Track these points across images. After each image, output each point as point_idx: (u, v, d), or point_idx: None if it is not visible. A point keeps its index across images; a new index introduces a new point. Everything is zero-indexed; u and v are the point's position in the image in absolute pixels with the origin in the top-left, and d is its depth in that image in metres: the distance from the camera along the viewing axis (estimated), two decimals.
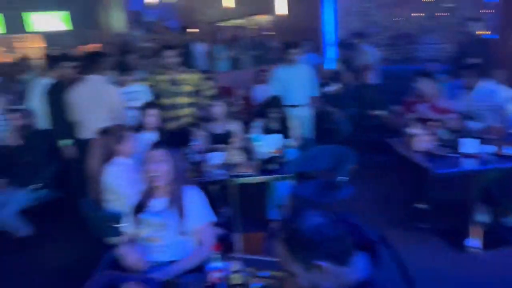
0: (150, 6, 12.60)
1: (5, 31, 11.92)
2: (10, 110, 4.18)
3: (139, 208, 2.23)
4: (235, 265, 1.79)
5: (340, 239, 1.27)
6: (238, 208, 3.53)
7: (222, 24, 10.07)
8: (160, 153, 2.17)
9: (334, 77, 6.14)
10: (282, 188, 3.87)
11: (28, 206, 3.89)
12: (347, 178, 3.64)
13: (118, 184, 2.78)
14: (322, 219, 1.28)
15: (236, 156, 3.50)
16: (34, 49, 12.50)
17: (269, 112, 4.23)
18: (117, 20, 12.03)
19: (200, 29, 9.84)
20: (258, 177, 3.38)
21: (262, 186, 3.94)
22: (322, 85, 5.54)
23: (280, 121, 4.23)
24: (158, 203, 2.22)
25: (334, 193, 3.60)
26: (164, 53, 4.38)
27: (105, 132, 2.96)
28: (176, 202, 2.17)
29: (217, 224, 3.59)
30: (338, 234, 1.27)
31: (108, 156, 2.88)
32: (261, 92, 6.59)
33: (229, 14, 9.87)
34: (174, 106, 4.42)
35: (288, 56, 4.97)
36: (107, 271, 2.11)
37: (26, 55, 7.23)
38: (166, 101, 4.40)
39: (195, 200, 2.24)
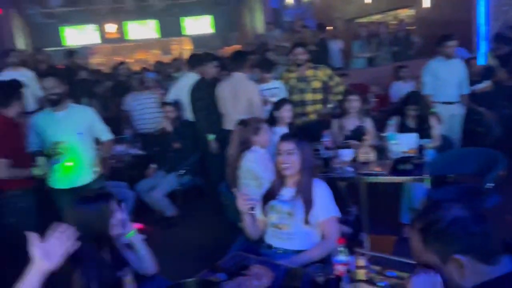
0: (288, 6, 12.96)
1: (160, 36, 13.54)
2: (164, 103, 4.72)
3: (270, 195, 2.35)
4: (360, 261, 1.75)
5: (484, 235, 1.18)
6: (367, 207, 3.42)
7: (360, 20, 9.82)
8: (290, 145, 2.25)
9: (485, 73, 5.50)
10: (418, 191, 3.62)
11: (174, 189, 4.39)
12: (494, 185, 3.24)
13: (255, 168, 2.99)
14: (465, 212, 1.20)
15: (368, 154, 3.40)
16: (186, 50, 13.96)
17: (407, 109, 3.98)
18: (257, 22, 12.63)
19: (337, 27, 9.76)
20: (390, 177, 3.23)
21: (394, 187, 3.76)
22: (472, 82, 5.02)
23: (418, 119, 3.96)
24: (287, 192, 2.32)
25: (478, 201, 3.24)
26: (294, 50, 4.51)
27: (243, 123, 3.17)
28: (303, 192, 2.24)
29: (343, 222, 3.57)
30: (483, 229, 1.18)
31: (246, 145, 3.10)
32: (399, 89, 6.27)
33: (367, 9, 9.57)
34: (302, 102, 4.51)
35: (444, 49, 4.66)
36: (239, 252, 2.26)
37: (179, 55, 8.11)
38: (295, 97, 4.52)
39: (321, 193, 2.27)
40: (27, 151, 3.15)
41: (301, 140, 2.31)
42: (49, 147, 3.10)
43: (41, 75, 5.97)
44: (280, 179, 2.34)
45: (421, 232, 1.23)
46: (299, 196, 2.24)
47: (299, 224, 2.23)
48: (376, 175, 3.21)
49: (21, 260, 1.73)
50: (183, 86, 4.76)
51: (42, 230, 1.55)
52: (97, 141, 3.47)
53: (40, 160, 3.04)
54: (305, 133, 4.15)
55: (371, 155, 3.39)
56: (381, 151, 3.49)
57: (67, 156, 3.14)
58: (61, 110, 3.20)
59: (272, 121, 3.90)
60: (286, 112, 3.91)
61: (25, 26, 12.07)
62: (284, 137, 2.34)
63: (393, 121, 4.04)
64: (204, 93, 4.36)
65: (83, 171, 3.26)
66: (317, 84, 4.52)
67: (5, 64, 5.69)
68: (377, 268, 1.82)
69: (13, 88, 3.11)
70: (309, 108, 4.54)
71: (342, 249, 1.79)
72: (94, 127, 3.37)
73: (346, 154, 3.44)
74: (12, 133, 3.01)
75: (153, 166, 4.43)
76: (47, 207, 3.21)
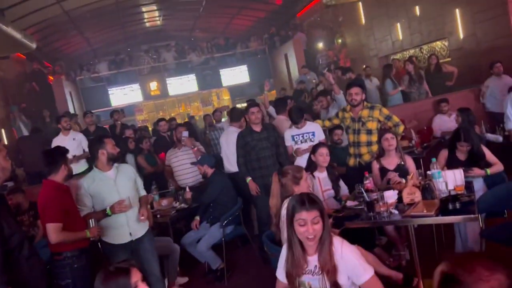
0: (322, 51, 13.20)
1: (199, 89, 14.12)
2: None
3: (296, 267, 2.15)
4: None
5: None
6: (418, 251, 3.27)
7: (395, 57, 9.81)
8: (314, 213, 2.06)
9: None
10: (471, 231, 3.43)
11: (218, 240, 4.39)
12: None
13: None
14: None
15: (413, 194, 3.28)
16: (225, 100, 14.43)
17: (459, 145, 3.77)
18: (291, 67, 12.90)
19: (371, 64, 9.78)
20: (439, 218, 3.08)
21: (445, 227, 3.59)
22: None
23: (468, 154, 3.78)
24: (311, 262, 2.15)
25: None
26: (349, 90, 4.40)
27: (283, 173, 3.18)
28: (325, 264, 2.07)
29: (396, 268, 3.42)
30: None
31: (287, 194, 3.08)
32: (442, 123, 6.12)
33: (401, 45, 9.57)
34: (357, 144, 4.46)
35: None
36: None
37: (220, 106, 8.41)
38: (350, 137, 4.50)
39: (347, 258, 2.09)
40: (78, 213, 3.29)
41: (320, 203, 2.13)
42: (105, 206, 3.23)
43: (90, 136, 6.47)
44: (302, 249, 2.14)
45: None
46: (323, 270, 2.09)
47: None
48: (423, 216, 3.07)
49: None
50: (227, 139, 4.98)
51: None
52: None
53: (91, 222, 3.15)
54: (355, 174, 4.15)
55: (417, 195, 3.27)
56: (426, 190, 3.36)
57: (121, 212, 3.25)
58: (110, 169, 3.36)
59: (310, 166, 3.91)
60: (321, 156, 3.91)
61: (76, 90, 12.99)
62: (306, 205, 2.07)
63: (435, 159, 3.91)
64: (244, 141, 4.50)
65: (137, 225, 3.36)
66: (372, 125, 4.40)
67: (58, 129, 6.16)
68: None
69: (60, 154, 3.30)
70: (364, 150, 4.44)
71: None
72: (137, 181, 3.52)
73: (390, 196, 3.34)
74: (61, 197, 3.15)
75: (196, 218, 4.49)
76: (100, 264, 3.31)
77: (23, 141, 7.19)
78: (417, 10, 8.89)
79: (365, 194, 3.35)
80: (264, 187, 4.38)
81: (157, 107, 15.18)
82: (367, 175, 3.66)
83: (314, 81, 9.84)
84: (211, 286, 4.22)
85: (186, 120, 12.35)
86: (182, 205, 4.75)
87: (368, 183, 3.59)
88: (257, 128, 4.53)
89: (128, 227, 3.32)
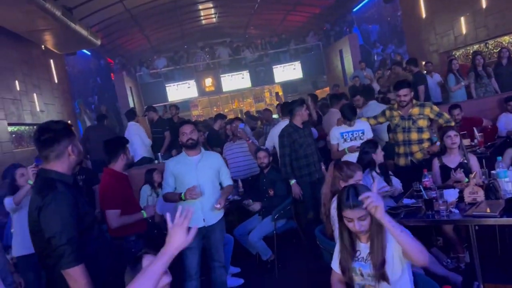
0: (378, 45, 12.84)
1: (252, 85, 14.23)
2: (257, 150, 4.87)
3: (347, 253, 2.18)
4: None
5: None
6: (479, 253, 3.10)
7: (458, 52, 9.34)
8: (360, 212, 2.05)
9: None
10: None
11: (269, 233, 4.42)
12: None
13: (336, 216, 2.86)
14: None
15: (475, 194, 3.12)
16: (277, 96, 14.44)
17: None
18: (346, 63, 12.67)
19: (433, 59, 9.38)
20: (502, 219, 2.90)
21: (509, 229, 3.38)
22: None
23: None
24: (362, 249, 2.17)
25: None
26: (398, 91, 4.36)
27: (338, 167, 3.15)
28: (375, 255, 2.07)
29: (454, 270, 3.27)
30: None
31: (335, 189, 3.05)
32: (508, 122, 5.75)
33: (464, 40, 9.09)
34: (408, 142, 4.38)
35: None
36: None
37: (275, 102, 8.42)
38: (399, 136, 4.42)
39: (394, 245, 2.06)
40: (134, 200, 3.45)
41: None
42: (185, 189, 3.32)
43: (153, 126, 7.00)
44: (355, 237, 2.18)
45: None
46: (372, 261, 2.08)
47: (386, 285, 2.09)
48: (486, 216, 2.91)
49: None
50: (276, 133, 4.95)
51: None
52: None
53: (147, 200, 3.26)
54: (409, 173, 4.03)
55: (479, 195, 3.11)
56: (490, 190, 3.18)
57: (199, 197, 3.34)
58: (196, 154, 3.47)
59: (370, 164, 3.82)
60: (377, 155, 3.83)
61: (136, 85, 13.58)
62: (350, 204, 2.08)
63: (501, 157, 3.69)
64: (291, 139, 4.47)
65: (211, 212, 3.44)
66: (423, 123, 4.33)
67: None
68: None
69: (120, 144, 3.46)
70: (415, 148, 4.36)
71: None
72: (221, 171, 3.58)
73: (451, 195, 3.20)
74: (120, 185, 3.32)
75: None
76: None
77: (90, 130, 7.65)
78: (483, 2, 8.38)
79: (423, 191, 3.23)
80: (311, 185, 4.36)
81: (212, 102, 15.52)
82: (426, 172, 3.53)
83: (368, 78, 9.59)
84: (261, 278, 4.26)
85: (239, 115, 12.55)
86: (235, 197, 4.83)
87: (427, 180, 3.46)
88: (301, 125, 4.52)
89: (202, 213, 3.39)
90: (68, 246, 1.95)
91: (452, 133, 3.79)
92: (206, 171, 3.44)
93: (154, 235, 4.43)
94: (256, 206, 4.44)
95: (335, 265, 2.27)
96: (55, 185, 2.03)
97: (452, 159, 3.79)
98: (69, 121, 9.66)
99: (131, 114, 7.24)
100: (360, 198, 1.95)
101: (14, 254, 3.73)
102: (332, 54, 13.84)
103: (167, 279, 1.72)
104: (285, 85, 14.75)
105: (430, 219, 3.01)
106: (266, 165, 4.64)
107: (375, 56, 12.40)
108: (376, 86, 7.23)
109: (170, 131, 7.04)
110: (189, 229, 1.51)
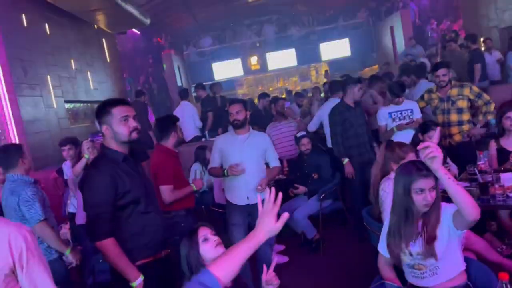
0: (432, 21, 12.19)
1: (298, 63, 14.02)
2: (301, 137, 4.83)
3: (398, 234, 2.14)
4: None
5: None
6: None
7: None
8: (432, 181, 2.04)
9: None
10: None
11: (314, 213, 4.43)
12: None
13: (386, 199, 2.81)
14: None
15: None
16: (322, 75, 14.19)
17: None
18: (397, 40, 12.17)
19: (490, 36, 8.81)
20: None
21: None
22: None
23: None
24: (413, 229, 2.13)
25: None
26: (436, 71, 4.32)
27: (391, 147, 3.07)
28: (428, 229, 2.06)
29: (506, 256, 3.14)
30: None
31: (385, 170, 2.99)
32: None
33: None
34: (447, 124, 4.32)
35: None
36: (383, 281, 2.17)
37: (323, 80, 8.30)
38: (439, 118, 4.38)
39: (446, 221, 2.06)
40: (183, 177, 3.55)
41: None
42: (229, 166, 3.40)
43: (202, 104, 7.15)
44: (407, 217, 2.11)
45: None
46: (424, 236, 2.06)
47: (434, 262, 2.06)
48: None
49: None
50: (326, 112, 4.89)
51: None
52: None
53: (194, 174, 3.33)
54: (450, 156, 3.88)
55: None
56: None
57: (243, 175, 3.40)
58: (243, 133, 3.52)
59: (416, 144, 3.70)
60: (429, 138, 3.68)
61: (183, 64, 13.79)
62: (424, 173, 2.05)
63: None
64: (342, 118, 4.39)
65: (255, 191, 3.45)
66: (463, 104, 4.27)
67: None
68: None
69: (170, 122, 3.55)
70: (454, 130, 4.30)
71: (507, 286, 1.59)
72: (268, 152, 3.62)
73: (508, 179, 3.04)
74: (172, 162, 3.42)
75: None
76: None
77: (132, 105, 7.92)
78: None
79: (478, 175, 3.10)
80: (361, 165, 4.29)
81: (257, 81, 15.50)
82: (481, 155, 3.37)
83: (420, 55, 9.18)
84: (306, 257, 4.29)
85: (284, 95, 12.47)
86: (280, 176, 4.85)
87: (482, 163, 3.31)
88: (352, 104, 4.42)
89: (246, 191, 3.46)
90: (97, 220, 2.10)
91: (509, 114, 3.57)
92: (251, 150, 3.48)
93: (201, 210, 4.57)
94: (302, 190, 4.45)
95: (382, 247, 2.24)
96: (99, 163, 2.22)
97: (511, 142, 3.59)
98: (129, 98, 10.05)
99: (185, 93, 7.41)
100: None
101: (77, 222, 3.98)
102: (382, 30, 13.31)
103: None
104: (332, 63, 14.41)
105: (485, 204, 2.89)
106: (309, 150, 4.62)
107: (429, 33, 11.79)
108: (428, 64, 6.93)
109: (214, 110, 7.15)
110: (279, 216, 1.45)
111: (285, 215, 1.44)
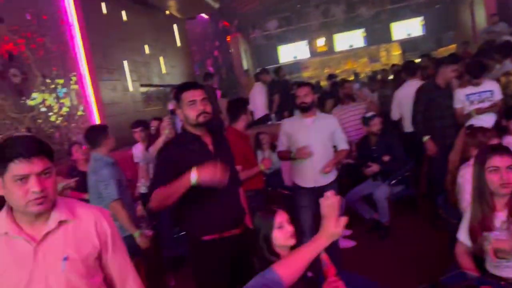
0: None
1: (368, 44, 13.51)
2: (368, 118, 4.67)
3: (480, 223, 2.04)
4: None
5: None
6: None
7: None
8: (510, 159, 1.94)
9: None
10: None
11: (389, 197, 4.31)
12: None
13: (465, 185, 2.66)
14: None
15: None
16: (395, 56, 13.60)
17: None
18: (477, 17, 11.29)
19: None
20: None
21: None
22: None
23: None
24: (496, 218, 2.02)
25: None
26: None
27: (471, 132, 2.90)
28: None
29: None
30: None
31: (465, 156, 2.84)
32: None
33: None
34: None
35: None
36: (461, 271, 2.09)
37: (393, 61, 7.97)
38: None
39: None
40: (254, 160, 3.62)
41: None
42: (297, 149, 3.44)
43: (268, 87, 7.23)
44: (488, 202, 1.99)
45: None
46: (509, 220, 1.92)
47: None
48: None
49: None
50: (404, 94, 4.72)
51: None
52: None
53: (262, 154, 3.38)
54: None
55: None
56: None
57: (310, 158, 3.43)
58: (310, 116, 3.53)
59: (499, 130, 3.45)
60: None
61: (249, 47, 13.89)
62: (499, 150, 1.97)
63: None
64: (428, 97, 4.21)
65: (322, 174, 3.49)
66: None
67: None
68: None
69: (241, 105, 3.62)
70: None
71: None
72: (335, 135, 3.60)
73: None
74: (241, 143, 3.50)
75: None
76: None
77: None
78: None
79: None
80: (442, 149, 4.07)
81: (323, 63, 15.21)
82: None
83: (505, 32, 8.42)
84: (375, 242, 4.22)
85: (352, 77, 12.14)
86: (348, 160, 4.77)
87: None
88: (444, 85, 4.18)
89: (313, 174, 3.48)
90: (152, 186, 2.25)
91: None
92: (319, 133, 3.47)
93: (268, 192, 4.64)
94: (375, 168, 4.32)
95: (462, 235, 2.14)
96: (169, 141, 2.40)
97: None
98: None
99: (265, 74, 7.55)
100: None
101: None
102: (460, 7, 12.40)
103: None
104: (404, 43, 13.74)
105: None
106: (380, 131, 4.48)
107: None
108: None
109: (281, 93, 7.18)
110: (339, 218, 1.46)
111: (343, 220, 1.44)
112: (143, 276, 3.01)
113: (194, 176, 2.06)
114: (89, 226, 1.49)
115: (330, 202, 1.45)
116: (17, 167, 1.31)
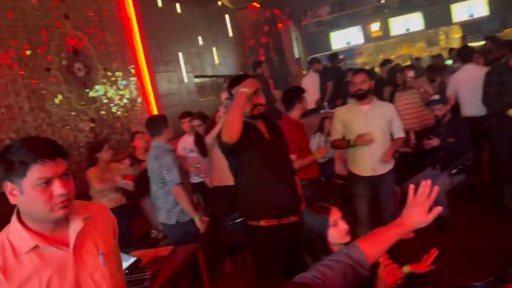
0: None
1: (425, 27, 12.85)
2: (433, 101, 4.48)
3: None
4: None
5: None
6: None
7: None
8: None
9: None
10: None
11: (445, 190, 4.13)
12: None
13: None
14: None
15: None
16: (455, 39, 12.88)
17: None
18: None
19: None
20: None
21: None
22: None
23: None
24: None
25: None
26: None
27: None
28: None
29: None
30: None
31: None
32: None
33: None
34: None
35: None
36: None
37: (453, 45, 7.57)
38: None
39: None
40: (307, 148, 3.61)
41: None
42: (353, 137, 3.37)
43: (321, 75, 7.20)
44: None
45: None
46: None
47: None
48: None
49: None
50: (461, 79, 4.50)
51: None
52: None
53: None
54: None
55: None
56: None
57: (369, 146, 3.36)
58: (367, 104, 3.44)
59: None
60: None
61: (301, 35, 13.73)
62: None
63: None
64: (500, 79, 3.97)
65: (378, 163, 3.41)
66: None
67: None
68: None
69: (296, 93, 3.60)
70: None
71: None
72: (392, 122, 3.50)
73: None
74: (296, 132, 3.49)
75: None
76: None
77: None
78: None
79: None
80: (510, 136, 3.83)
81: (377, 49, 14.72)
82: None
83: None
84: (434, 234, 4.06)
85: (409, 62, 11.65)
86: (406, 149, 4.62)
87: None
88: None
89: (371, 162, 3.41)
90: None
91: None
92: (376, 120, 3.38)
93: (322, 182, 4.61)
94: (435, 141, 4.13)
95: None
96: None
97: None
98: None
99: (316, 63, 7.54)
100: None
101: (209, 186, 4.32)
102: None
103: None
104: (465, 26, 12.93)
105: None
106: (443, 116, 4.28)
107: None
108: None
109: (334, 80, 7.05)
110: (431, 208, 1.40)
111: (438, 209, 1.38)
112: (201, 260, 3.14)
113: (242, 89, 2.20)
114: (104, 219, 1.49)
115: (427, 190, 1.40)
116: (42, 169, 1.22)
